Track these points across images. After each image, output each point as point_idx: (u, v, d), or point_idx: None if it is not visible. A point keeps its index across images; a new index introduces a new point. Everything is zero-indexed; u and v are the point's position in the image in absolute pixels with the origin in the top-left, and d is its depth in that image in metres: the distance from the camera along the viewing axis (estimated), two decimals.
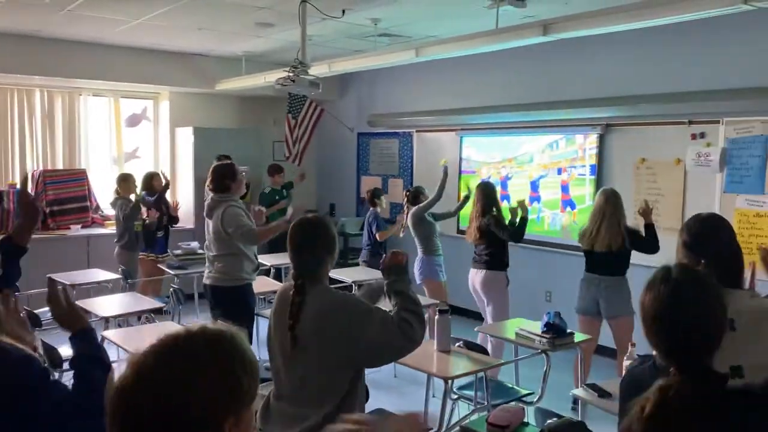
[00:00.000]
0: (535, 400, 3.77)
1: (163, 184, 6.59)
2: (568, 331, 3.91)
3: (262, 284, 5.50)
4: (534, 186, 6.51)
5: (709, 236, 2.14)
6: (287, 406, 2.26)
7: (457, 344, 3.79)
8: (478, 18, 5.17)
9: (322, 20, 5.26)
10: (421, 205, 5.69)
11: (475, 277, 5.20)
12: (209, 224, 4.44)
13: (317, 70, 5.65)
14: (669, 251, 5.38)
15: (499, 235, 5.04)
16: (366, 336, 2.18)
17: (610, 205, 4.57)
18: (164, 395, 1.01)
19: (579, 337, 4.08)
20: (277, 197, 7.48)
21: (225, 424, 1.03)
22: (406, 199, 5.92)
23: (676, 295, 1.49)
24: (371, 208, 6.43)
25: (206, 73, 7.75)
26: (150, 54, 7.35)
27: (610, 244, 4.50)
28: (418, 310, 2.26)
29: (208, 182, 4.47)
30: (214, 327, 1.11)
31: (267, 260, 6.49)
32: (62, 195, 7.31)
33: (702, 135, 5.25)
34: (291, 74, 4.91)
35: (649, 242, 4.52)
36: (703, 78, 5.14)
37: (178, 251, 6.31)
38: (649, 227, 4.54)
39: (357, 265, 7.27)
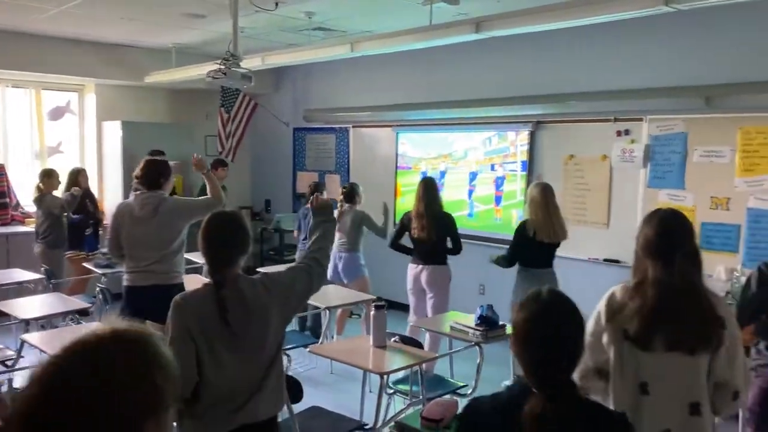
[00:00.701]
0: (469, 392, 3.83)
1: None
2: (501, 323, 3.99)
3: (195, 282, 5.36)
4: (470, 181, 6.61)
5: (684, 232, 2.17)
6: (228, 401, 2.25)
7: (393, 339, 3.80)
8: (413, 14, 5.19)
9: (255, 12, 5.17)
10: (369, 223, 5.73)
11: (421, 272, 5.21)
12: (150, 221, 4.07)
13: (250, 64, 5.56)
14: (593, 245, 5.58)
15: (452, 240, 5.16)
16: (296, 293, 2.41)
17: (552, 198, 4.73)
18: (77, 408, 0.95)
19: (510, 329, 4.15)
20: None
21: (144, 428, 1.00)
22: (342, 196, 5.87)
23: (544, 316, 1.57)
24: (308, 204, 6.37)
25: (134, 65, 7.49)
26: (74, 44, 7.04)
27: (559, 236, 4.67)
28: (330, 247, 2.61)
29: (137, 173, 4.24)
30: (126, 328, 1.06)
31: (199, 258, 6.35)
32: None
33: (626, 132, 5.45)
34: (222, 67, 4.80)
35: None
36: (628, 77, 5.34)
37: (106, 249, 6.07)
38: None
39: (293, 261, 7.21)
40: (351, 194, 5.81)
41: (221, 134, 7.81)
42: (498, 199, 6.36)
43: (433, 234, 5.08)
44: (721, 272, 4.77)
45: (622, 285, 2.19)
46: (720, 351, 2.06)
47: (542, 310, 1.59)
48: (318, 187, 6.35)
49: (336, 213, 5.83)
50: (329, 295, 5.09)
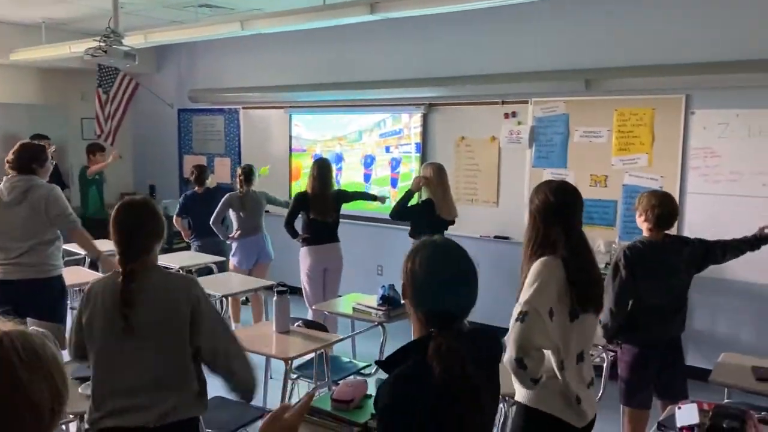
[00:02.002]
0: (373, 371, 3.87)
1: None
2: (402, 302, 4.04)
3: (76, 275, 5.05)
4: (367, 164, 6.64)
5: (574, 204, 2.28)
6: (125, 399, 2.14)
7: (296, 324, 3.76)
8: None
9: None
10: (270, 198, 5.77)
11: (327, 252, 5.18)
12: (16, 209, 3.77)
13: (132, 41, 5.24)
14: (484, 223, 5.80)
15: (349, 200, 5.26)
16: (204, 320, 2.21)
17: (446, 177, 4.88)
18: None
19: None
20: (96, 176, 6.89)
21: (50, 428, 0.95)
22: (240, 177, 5.70)
23: (434, 261, 1.57)
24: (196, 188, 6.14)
25: None
26: None
27: (453, 213, 4.85)
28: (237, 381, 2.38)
29: (9, 157, 3.90)
30: (21, 332, 0.98)
31: (80, 249, 5.96)
32: None
33: (513, 114, 5.68)
34: (102, 44, 4.50)
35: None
36: (514, 61, 5.55)
37: None
38: None
39: (183, 249, 6.94)
40: (250, 175, 5.67)
41: (99, 116, 7.36)
42: (394, 182, 6.44)
43: (333, 214, 5.09)
44: (601, 245, 5.12)
45: (542, 261, 2.21)
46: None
47: (440, 252, 1.59)
48: (203, 171, 6.12)
49: (236, 195, 5.69)
50: (228, 283, 4.96)
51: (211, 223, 5.53)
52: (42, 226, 3.83)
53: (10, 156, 3.88)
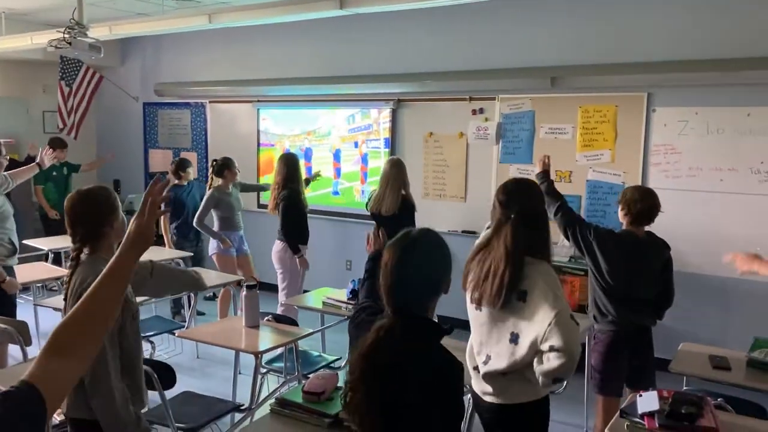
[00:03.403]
0: (343, 364, 3.89)
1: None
2: None
3: (40, 270, 4.97)
4: (336, 158, 6.64)
5: (522, 193, 2.34)
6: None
7: (266, 318, 3.77)
8: None
9: None
10: (245, 186, 5.79)
11: (273, 248, 5.19)
12: None
13: (96, 33, 5.15)
14: (452, 218, 5.85)
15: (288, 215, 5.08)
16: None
17: (394, 171, 4.88)
18: None
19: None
20: (54, 172, 6.73)
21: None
22: (211, 170, 5.65)
23: (402, 251, 1.69)
24: (176, 181, 6.08)
25: None
26: None
27: (393, 208, 4.83)
28: None
29: None
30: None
31: (44, 244, 5.87)
32: None
33: (481, 110, 5.75)
34: (67, 36, 4.41)
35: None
36: (482, 57, 5.61)
37: None
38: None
39: (155, 244, 6.86)
40: (222, 168, 5.55)
41: (62, 109, 7.20)
42: (365, 175, 6.46)
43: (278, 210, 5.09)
44: (564, 240, 5.21)
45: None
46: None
47: (402, 247, 1.70)
48: (183, 164, 6.05)
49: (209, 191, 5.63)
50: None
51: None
52: None
53: None
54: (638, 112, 5.00)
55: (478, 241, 2.46)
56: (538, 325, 2.12)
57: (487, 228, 2.45)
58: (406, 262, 1.67)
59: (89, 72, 7.21)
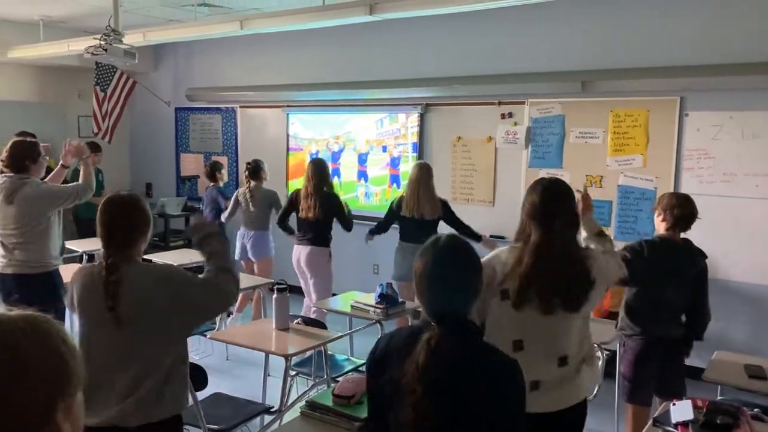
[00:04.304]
0: None
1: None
2: (400, 300, 4.10)
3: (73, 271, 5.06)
4: (362, 162, 6.68)
5: (563, 198, 2.30)
6: (114, 389, 2.15)
7: (296, 321, 3.80)
8: None
9: None
10: (279, 206, 5.66)
11: (301, 253, 5.22)
12: (7, 208, 3.89)
13: (131, 40, 5.26)
14: (480, 222, 5.85)
15: (337, 218, 5.15)
16: (192, 301, 2.23)
17: (425, 174, 4.87)
18: None
19: (411, 305, 4.29)
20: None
21: (55, 415, 0.93)
22: (246, 173, 5.73)
23: (441, 258, 1.68)
24: (211, 185, 6.17)
25: None
26: None
27: (425, 212, 4.83)
28: (234, 270, 2.39)
29: (3, 157, 3.97)
30: (22, 312, 0.97)
31: (77, 246, 5.99)
32: None
33: (510, 115, 5.73)
34: (103, 43, 4.51)
35: (457, 221, 4.93)
36: (511, 62, 5.59)
37: None
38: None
39: (180, 248, 6.96)
40: (256, 171, 5.69)
41: (97, 114, 7.35)
42: (393, 179, 6.48)
43: (320, 214, 5.10)
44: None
45: (510, 246, 2.33)
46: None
47: (439, 253, 1.68)
48: (217, 166, 6.14)
49: (244, 191, 5.72)
50: None
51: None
52: (30, 225, 3.89)
53: (3, 154, 3.94)
54: (671, 116, 4.94)
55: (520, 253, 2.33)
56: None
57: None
58: (448, 270, 1.67)
59: (123, 77, 7.35)
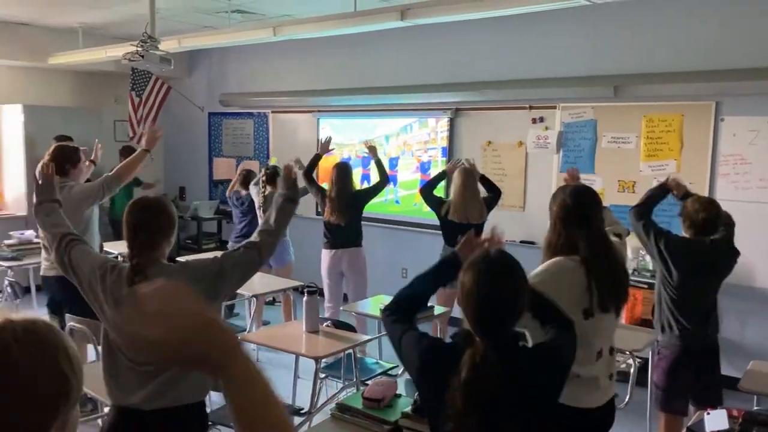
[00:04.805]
0: (399, 372, 3.92)
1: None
2: (429, 304, 4.09)
3: None
4: (391, 166, 6.70)
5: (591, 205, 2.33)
6: (140, 375, 2.22)
7: (325, 324, 3.83)
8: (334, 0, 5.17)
9: None
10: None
11: (342, 256, 5.25)
12: None
13: (166, 46, 5.37)
14: (510, 227, 5.83)
15: (368, 197, 5.24)
16: (224, 287, 2.31)
17: (470, 179, 4.87)
18: None
19: (438, 310, 4.29)
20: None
21: (51, 428, 0.93)
22: (264, 178, 5.79)
23: (490, 275, 1.68)
24: (244, 191, 6.10)
25: (36, 46, 7.03)
26: None
27: (472, 216, 4.81)
28: (282, 230, 2.45)
29: (45, 161, 4.10)
30: (25, 319, 0.96)
31: (113, 248, 6.11)
32: None
33: (541, 119, 5.70)
34: (140, 49, 4.62)
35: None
36: (542, 66, 5.57)
37: (11, 241, 5.72)
38: None
39: (212, 250, 7.05)
40: (274, 176, 5.73)
41: (132, 119, 7.49)
42: (423, 184, 6.48)
43: (346, 218, 5.14)
44: (629, 251, 5.10)
45: (559, 261, 2.28)
46: None
47: (487, 270, 1.68)
48: (278, 171, 6.07)
49: (258, 197, 5.78)
50: (254, 283, 5.04)
51: None
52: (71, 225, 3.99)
53: (45, 158, 4.06)
54: (705, 121, 4.86)
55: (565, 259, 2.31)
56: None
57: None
58: (497, 287, 1.67)
59: (158, 83, 7.49)
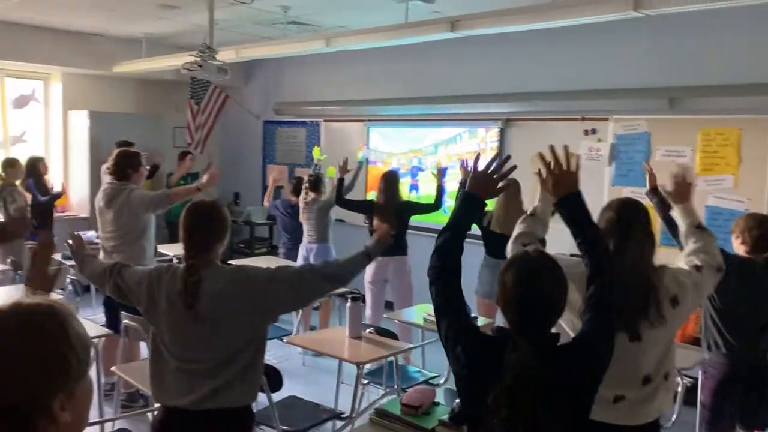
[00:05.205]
0: (441, 381, 3.93)
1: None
2: (472, 315, 4.09)
3: None
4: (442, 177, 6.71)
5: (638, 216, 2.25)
6: (191, 376, 2.30)
7: (368, 330, 3.88)
8: (388, 11, 5.25)
9: (231, 5, 5.17)
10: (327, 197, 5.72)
11: (387, 264, 5.30)
12: (107, 212, 4.26)
13: (224, 56, 5.55)
14: (561, 240, 5.75)
15: (418, 213, 5.30)
16: (271, 296, 2.34)
17: (512, 189, 4.83)
18: None
19: (481, 321, 4.28)
20: (181, 182, 7.28)
21: (53, 405, 0.98)
22: (307, 185, 5.90)
23: (529, 274, 1.69)
24: (294, 199, 6.17)
25: (102, 55, 7.38)
26: (39, 31, 6.91)
27: (513, 228, 4.76)
28: (349, 277, 2.51)
29: (109, 165, 4.34)
30: (30, 302, 1.04)
31: (168, 250, 6.32)
32: None
33: (593, 131, 5.62)
34: (198, 59, 4.80)
35: None
36: (595, 78, 5.50)
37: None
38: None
39: (264, 254, 7.23)
40: (317, 183, 5.84)
41: (190, 126, 7.74)
42: None
43: (394, 227, 5.16)
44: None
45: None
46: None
47: (527, 270, 1.70)
48: (320, 179, 6.04)
49: (301, 202, 5.89)
50: None
51: None
52: (126, 229, 4.18)
53: (109, 162, 4.28)
54: (765, 135, 4.71)
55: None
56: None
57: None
58: (535, 286, 1.68)
59: (216, 91, 7.72)
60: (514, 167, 2.09)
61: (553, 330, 1.79)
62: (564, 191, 2.00)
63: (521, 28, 4.43)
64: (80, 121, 7.49)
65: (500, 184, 2.00)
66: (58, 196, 6.67)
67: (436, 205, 5.30)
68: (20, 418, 0.96)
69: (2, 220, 5.98)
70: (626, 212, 2.26)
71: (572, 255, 2.20)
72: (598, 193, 5.56)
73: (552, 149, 2.07)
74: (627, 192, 5.38)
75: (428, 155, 6.80)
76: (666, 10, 3.64)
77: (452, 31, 4.41)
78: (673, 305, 2.16)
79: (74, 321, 1.05)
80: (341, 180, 5.42)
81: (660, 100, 5.07)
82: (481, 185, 1.97)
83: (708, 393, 3.10)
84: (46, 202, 6.45)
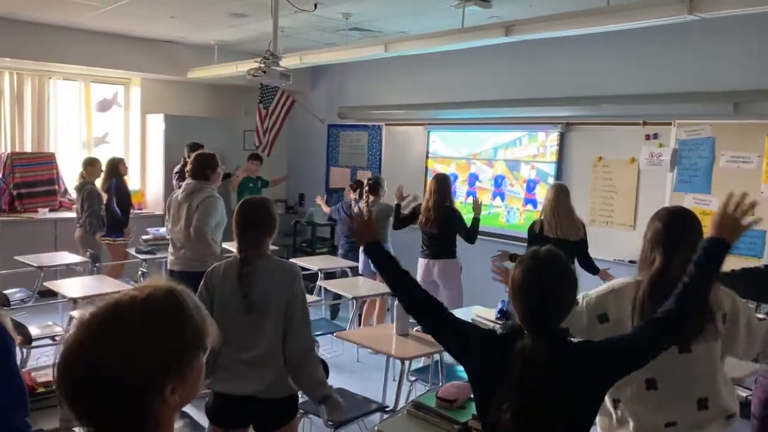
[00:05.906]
0: None
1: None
2: None
3: None
4: (497, 183, 6.74)
5: (687, 226, 2.23)
6: (243, 365, 2.48)
7: (415, 329, 3.97)
8: (446, 16, 5.35)
9: (294, 13, 5.38)
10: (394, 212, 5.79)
11: (433, 266, 5.37)
12: (180, 208, 4.46)
13: (288, 62, 5.78)
14: (619, 246, 5.65)
15: (458, 230, 5.28)
16: (291, 307, 2.52)
17: (563, 196, 4.81)
18: (96, 367, 0.99)
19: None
20: (250, 184, 7.57)
21: (165, 389, 1.03)
22: (367, 188, 6.03)
23: (539, 269, 1.75)
24: (372, 198, 6.10)
25: (178, 61, 7.80)
26: (122, 40, 7.38)
27: (568, 233, 4.75)
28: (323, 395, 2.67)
29: (188, 168, 4.57)
30: (160, 290, 1.09)
31: (233, 247, 6.60)
32: (30, 178, 7.30)
33: (655, 136, 5.52)
34: (262, 65, 5.02)
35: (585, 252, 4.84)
36: (657, 81, 5.40)
37: (148, 236, 6.38)
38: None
39: (325, 254, 7.43)
40: (376, 186, 5.96)
41: (259, 130, 8.06)
42: (527, 201, 6.48)
43: (438, 227, 5.25)
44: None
45: (631, 278, 2.28)
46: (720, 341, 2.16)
47: (537, 266, 1.77)
48: (379, 182, 6.05)
49: (363, 206, 6.03)
50: (357, 286, 5.30)
51: None
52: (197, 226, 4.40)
53: (189, 165, 4.55)
54: None
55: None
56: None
57: None
58: (545, 281, 1.75)
59: (284, 96, 8.00)
60: (755, 203, 2.04)
61: None
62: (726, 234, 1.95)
63: (573, 33, 4.42)
64: (157, 124, 7.94)
65: (747, 221, 1.93)
66: (125, 223, 6.51)
67: (470, 239, 5.28)
68: (139, 402, 1.01)
69: (82, 215, 6.39)
70: (674, 223, 2.24)
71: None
72: (659, 198, 5.45)
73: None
74: (689, 198, 5.26)
75: (488, 159, 6.82)
76: (720, 14, 3.57)
77: (507, 35, 4.45)
78: (724, 320, 2.15)
79: (196, 306, 1.12)
80: (398, 206, 5.63)
81: (724, 104, 4.92)
82: (729, 231, 1.92)
83: (757, 402, 3.02)
84: (116, 213, 6.41)
